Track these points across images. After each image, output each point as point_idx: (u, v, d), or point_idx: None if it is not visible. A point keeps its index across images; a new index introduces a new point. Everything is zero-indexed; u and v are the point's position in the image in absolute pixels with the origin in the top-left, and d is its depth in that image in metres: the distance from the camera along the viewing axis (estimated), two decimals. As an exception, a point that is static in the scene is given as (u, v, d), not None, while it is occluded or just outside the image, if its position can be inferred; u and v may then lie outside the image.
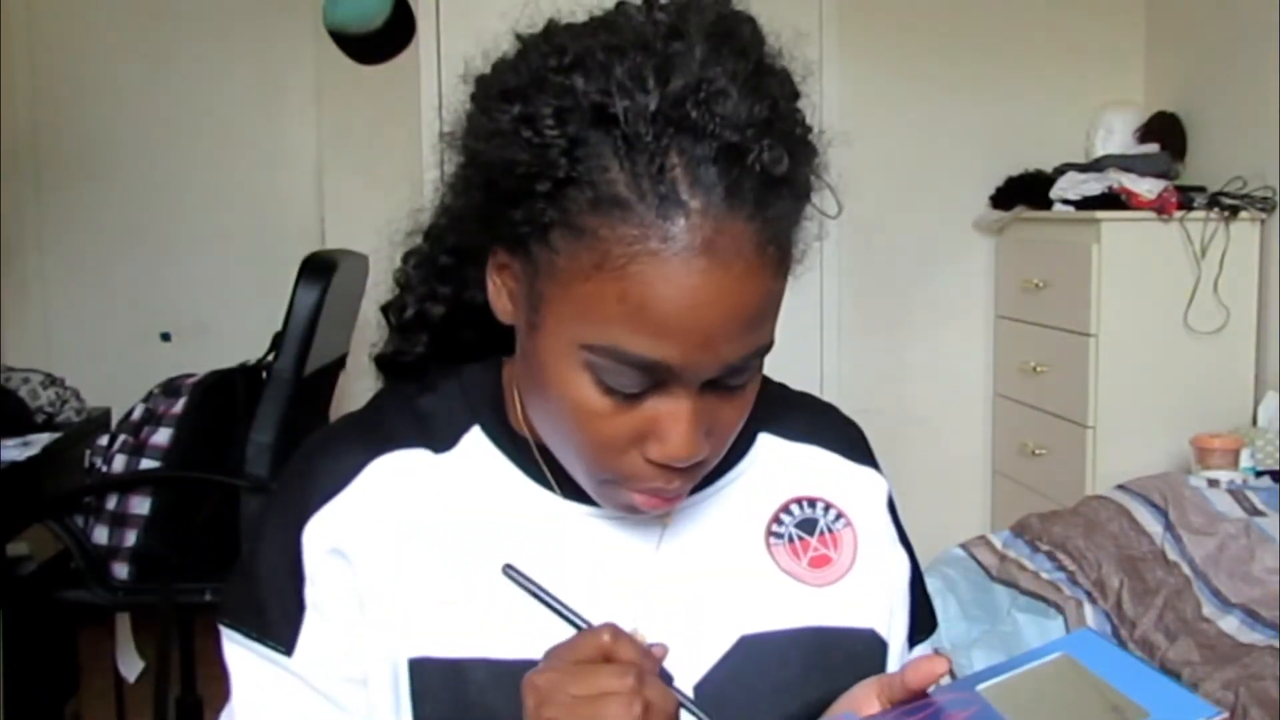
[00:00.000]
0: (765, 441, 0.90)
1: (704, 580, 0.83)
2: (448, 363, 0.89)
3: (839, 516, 0.89)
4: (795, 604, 0.84)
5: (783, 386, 0.95)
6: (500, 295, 0.80)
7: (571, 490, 0.83)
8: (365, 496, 0.81)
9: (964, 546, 2.87)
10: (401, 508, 0.81)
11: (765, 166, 0.69)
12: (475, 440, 0.85)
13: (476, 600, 0.79)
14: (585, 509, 0.83)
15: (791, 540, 0.86)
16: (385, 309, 0.91)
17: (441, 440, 0.84)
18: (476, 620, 0.78)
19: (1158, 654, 2.45)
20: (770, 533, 0.86)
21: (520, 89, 0.72)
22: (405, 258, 0.91)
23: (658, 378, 0.72)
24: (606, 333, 0.70)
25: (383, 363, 0.91)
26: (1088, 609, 2.64)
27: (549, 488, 0.83)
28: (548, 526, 0.82)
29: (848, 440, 0.94)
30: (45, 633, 2.74)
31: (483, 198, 0.75)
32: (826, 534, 0.88)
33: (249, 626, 0.83)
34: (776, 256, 0.72)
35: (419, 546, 0.80)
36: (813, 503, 0.89)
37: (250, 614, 0.82)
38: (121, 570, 2.55)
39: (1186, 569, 2.58)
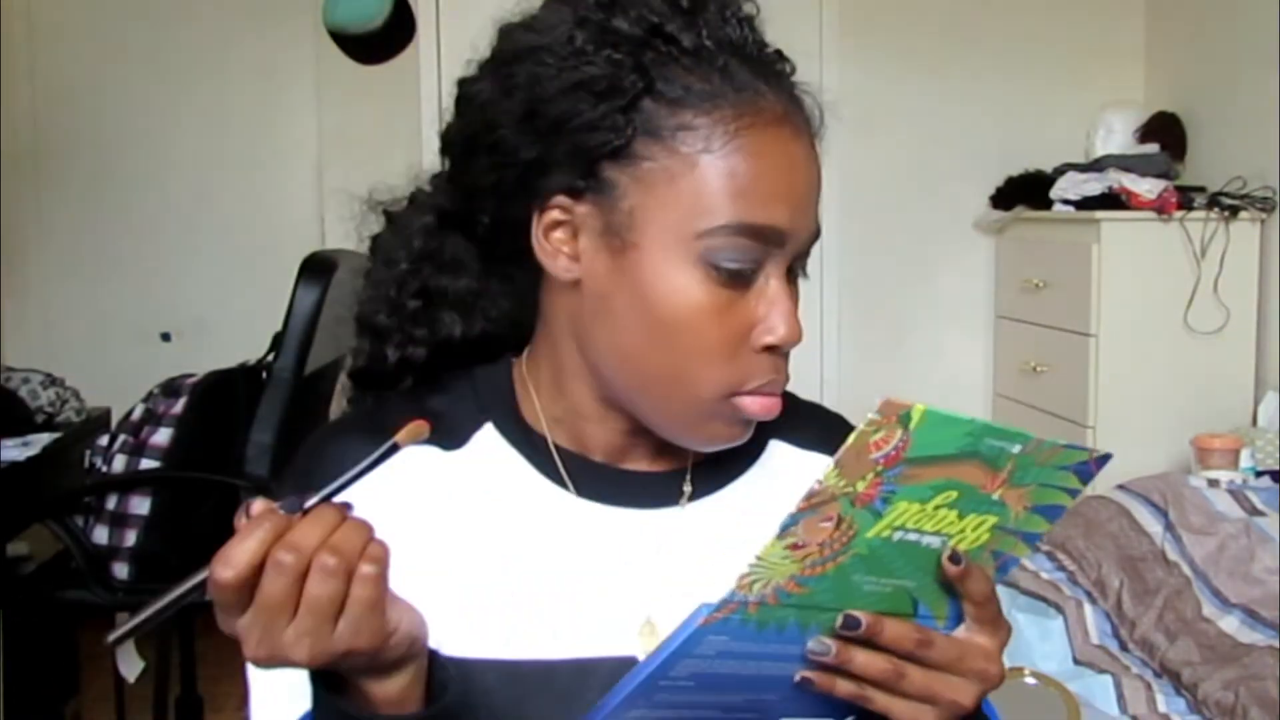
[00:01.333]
0: (776, 448, 0.91)
1: (716, 582, 0.83)
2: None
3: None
4: None
5: (792, 394, 0.95)
6: (558, 256, 0.79)
7: (586, 488, 0.83)
8: (374, 490, 0.81)
9: (964, 546, 2.87)
10: (411, 503, 0.81)
11: (792, 69, 0.80)
12: (488, 438, 0.84)
13: (488, 600, 0.78)
14: (599, 506, 0.83)
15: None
16: (358, 373, 0.91)
17: (452, 438, 0.83)
18: (486, 620, 0.78)
19: (1158, 654, 2.45)
20: None
21: (563, 32, 0.76)
22: (367, 304, 0.92)
23: (770, 248, 0.76)
24: (724, 210, 0.74)
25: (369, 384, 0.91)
26: (1088, 609, 2.64)
27: (563, 485, 0.83)
28: (561, 524, 0.82)
29: None
30: (45, 633, 2.75)
31: (539, 149, 0.77)
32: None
33: None
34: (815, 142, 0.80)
35: (429, 543, 0.80)
36: None
37: None
38: (121, 570, 2.55)
39: (1186, 569, 2.58)
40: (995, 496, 0.68)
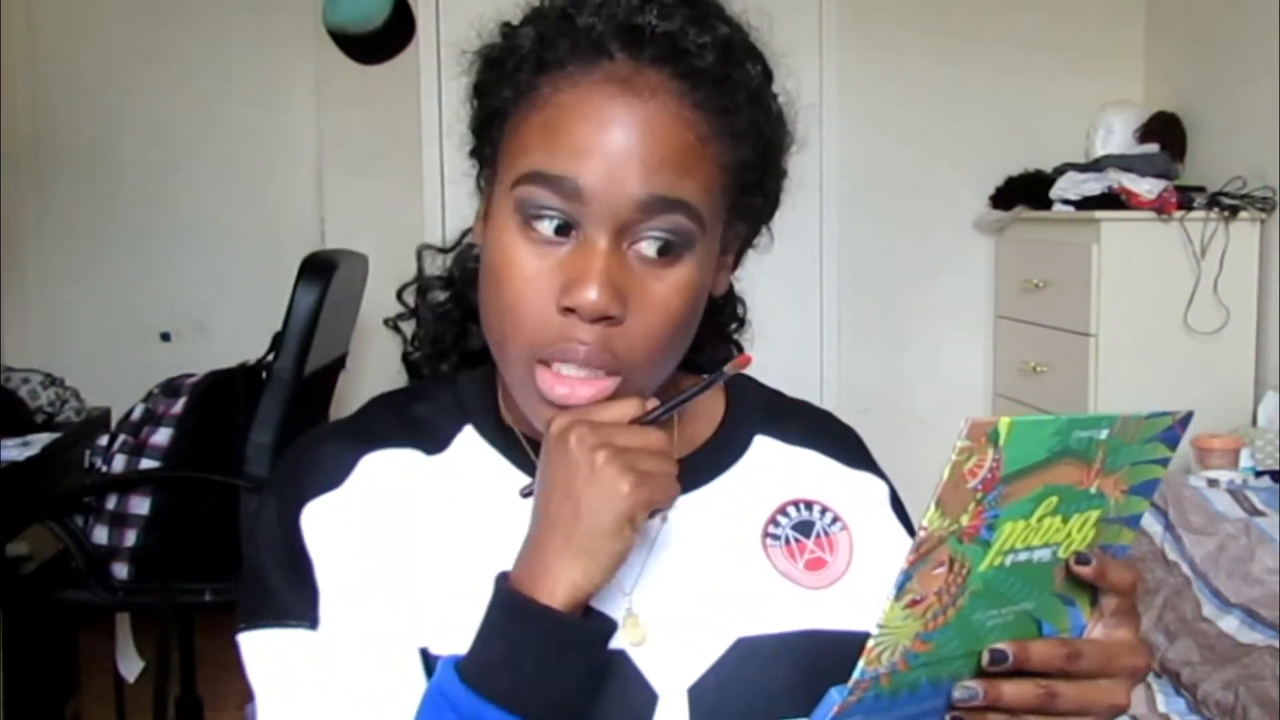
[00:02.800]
0: (762, 444, 0.91)
1: (701, 579, 0.83)
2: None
3: (835, 520, 0.89)
4: (791, 606, 0.83)
5: (778, 392, 0.96)
6: (479, 228, 0.85)
7: None
8: (360, 491, 0.81)
9: (964, 546, 2.87)
10: (396, 503, 0.81)
11: (703, 46, 0.76)
12: (468, 439, 0.85)
13: (477, 594, 0.78)
14: None
15: (788, 542, 0.86)
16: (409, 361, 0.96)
17: (433, 442, 0.85)
18: (474, 618, 0.78)
19: (1158, 654, 2.45)
20: (767, 534, 0.86)
21: (505, 24, 0.83)
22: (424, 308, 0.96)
23: (573, 204, 0.75)
24: (530, 160, 0.76)
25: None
26: (1088, 609, 2.64)
27: None
28: None
29: (844, 445, 0.94)
30: (45, 633, 2.75)
31: (471, 124, 0.84)
32: (823, 537, 0.87)
33: (267, 619, 0.79)
34: (704, 123, 0.76)
35: (416, 542, 0.80)
36: (809, 505, 0.89)
37: (265, 608, 0.80)
38: (121, 570, 2.55)
39: (1186, 569, 2.58)
40: (1093, 490, 0.67)
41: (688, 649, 0.79)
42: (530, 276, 0.76)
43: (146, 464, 2.58)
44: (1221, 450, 2.94)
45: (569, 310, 0.74)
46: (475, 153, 0.85)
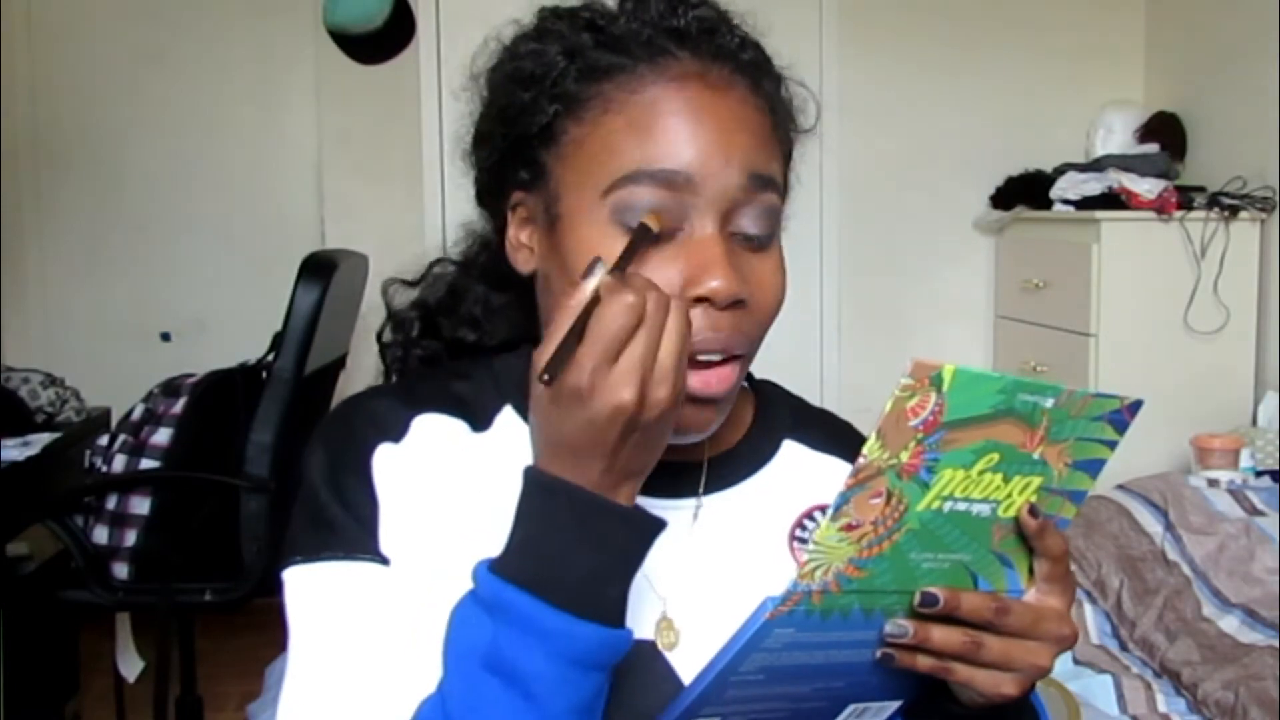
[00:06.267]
0: (790, 448, 0.91)
1: (731, 579, 0.83)
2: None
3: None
4: None
5: (803, 399, 0.96)
6: (520, 250, 0.83)
7: None
8: (418, 448, 0.80)
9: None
10: (449, 468, 0.81)
11: (740, 42, 0.80)
12: (508, 420, 0.85)
13: None
14: None
15: None
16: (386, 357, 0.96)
17: (478, 420, 0.84)
18: None
19: (1158, 654, 2.45)
20: (794, 537, 0.87)
21: (518, 39, 0.82)
22: (404, 309, 0.96)
23: (681, 195, 0.75)
24: (623, 163, 0.75)
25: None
26: (1088, 609, 2.64)
27: None
28: None
29: None
30: (45, 633, 2.74)
31: (499, 149, 0.82)
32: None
33: (334, 551, 0.77)
34: (768, 110, 0.80)
35: (461, 512, 0.79)
36: None
37: (331, 542, 0.77)
38: (121, 570, 2.55)
39: (1186, 569, 2.58)
40: (1036, 455, 0.69)
41: (719, 645, 0.80)
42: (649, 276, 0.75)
43: (146, 464, 2.58)
44: (1221, 450, 2.94)
45: (699, 300, 0.75)
46: (497, 177, 0.84)
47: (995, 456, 0.67)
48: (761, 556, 0.85)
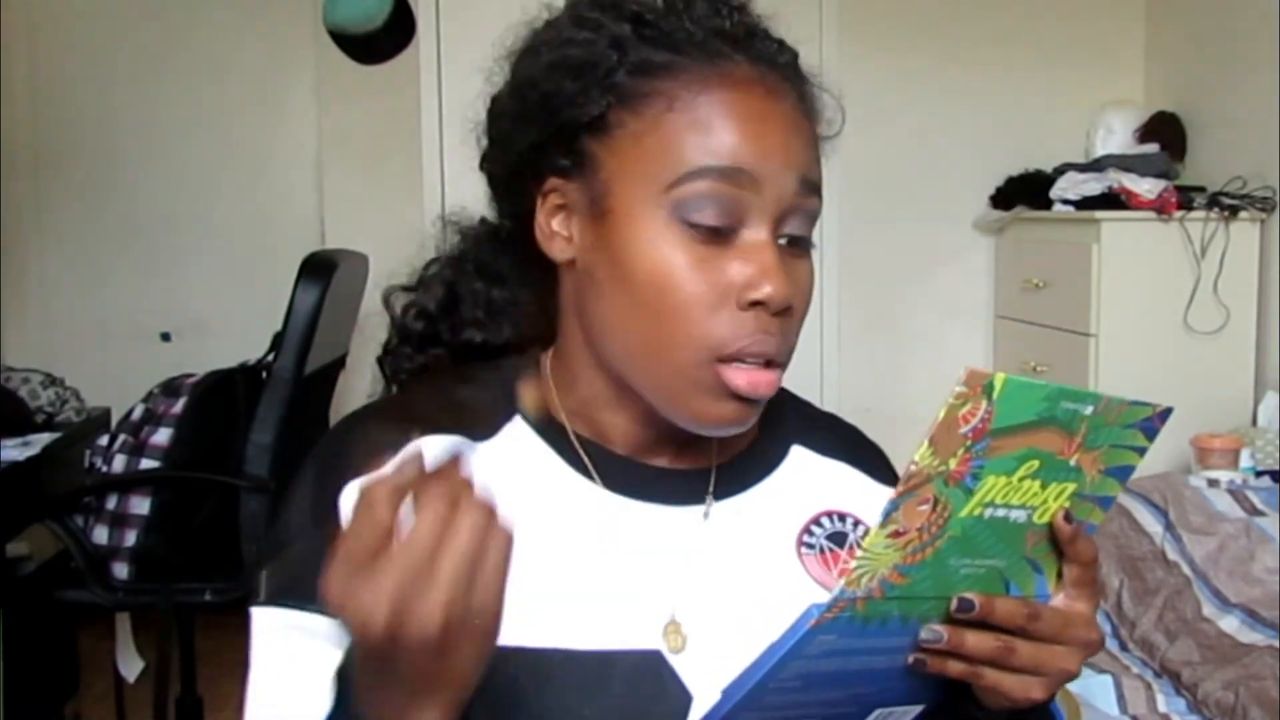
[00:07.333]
0: (798, 454, 0.92)
1: (739, 584, 0.84)
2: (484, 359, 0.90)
3: (867, 533, 0.89)
4: None
5: (810, 403, 0.97)
6: (554, 238, 0.82)
7: (611, 480, 0.83)
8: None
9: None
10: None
11: (779, 46, 0.83)
12: (517, 429, 0.85)
13: (514, 587, 0.78)
14: (624, 499, 0.83)
15: (822, 551, 0.87)
16: (385, 363, 0.93)
17: (482, 429, 0.83)
18: (511, 607, 0.78)
19: (1158, 654, 2.45)
20: (802, 542, 0.87)
21: (554, 25, 0.82)
22: (405, 305, 0.93)
23: (743, 193, 0.76)
24: (689, 159, 0.76)
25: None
26: (1088, 609, 2.64)
27: (588, 476, 0.84)
28: (586, 514, 0.82)
29: (872, 459, 0.95)
30: (45, 633, 2.74)
31: (533, 133, 0.81)
32: (856, 548, 0.88)
33: (287, 600, 0.78)
34: (812, 115, 0.82)
35: None
36: (843, 517, 0.90)
37: (288, 589, 0.78)
38: (121, 570, 2.55)
39: (1186, 569, 2.58)
40: (1072, 462, 0.69)
41: (724, 652, 0.80)
42: (704, 277, 0.76)
43: (146, 464, 2.59)
44: (1221, 450, 2.94)
45: (752, 305, 0.76)
46: (530, 162, 0.82)
47: (1035, 464, 0.68)
48: (769, 561, 0.85)
